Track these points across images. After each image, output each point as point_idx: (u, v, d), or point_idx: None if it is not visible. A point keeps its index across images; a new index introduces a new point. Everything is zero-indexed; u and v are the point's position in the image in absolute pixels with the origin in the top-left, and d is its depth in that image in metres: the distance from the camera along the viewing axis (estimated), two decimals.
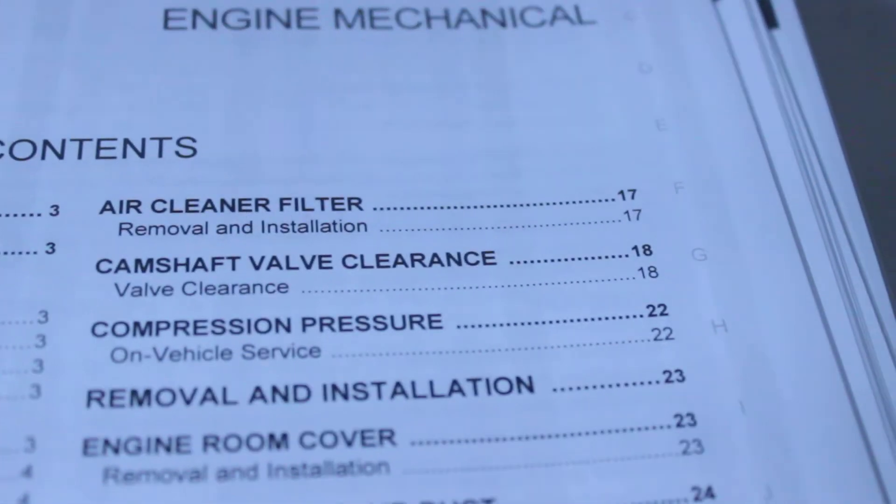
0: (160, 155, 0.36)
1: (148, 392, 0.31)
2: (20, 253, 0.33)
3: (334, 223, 0.35)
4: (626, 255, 0.34)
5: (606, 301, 0.34)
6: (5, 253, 0.33)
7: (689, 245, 0.35)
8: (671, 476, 0.31)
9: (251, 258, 0.34)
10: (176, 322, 0.32)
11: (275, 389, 0.32)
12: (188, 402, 0.31)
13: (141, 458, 0.30)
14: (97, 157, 0.35)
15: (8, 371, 0.31)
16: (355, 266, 0.34)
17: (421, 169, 0.36)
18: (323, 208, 0.35)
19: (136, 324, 0.32)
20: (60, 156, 0.35)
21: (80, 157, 0.35)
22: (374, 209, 0.35)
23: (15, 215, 0.34)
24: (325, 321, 0.33)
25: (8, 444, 0.30)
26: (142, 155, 0.36)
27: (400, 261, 0.34)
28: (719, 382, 0.32)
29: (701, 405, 0.32)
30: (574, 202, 0.35)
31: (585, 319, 0.33)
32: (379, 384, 0.32)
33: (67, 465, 0.30)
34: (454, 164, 0.36)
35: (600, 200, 0.36)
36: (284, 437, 0.31)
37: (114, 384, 0.31)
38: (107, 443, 0.30)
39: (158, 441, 0.31)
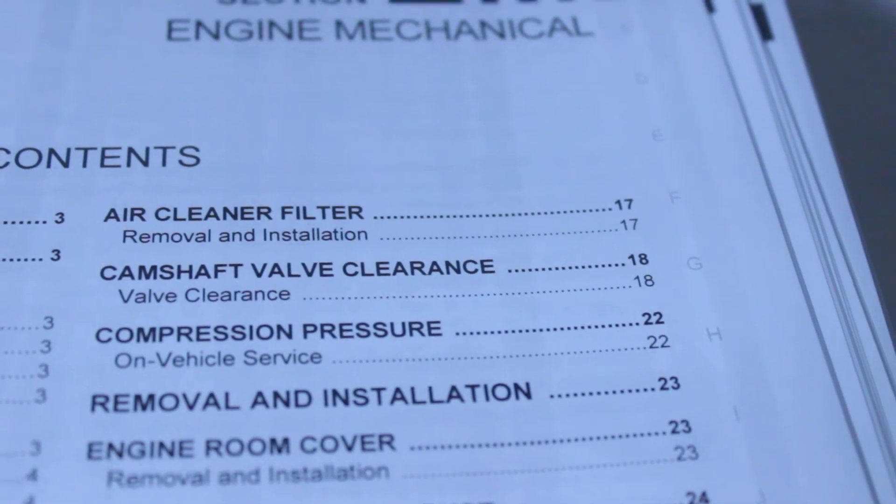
0: (164, 164, 0.36)
1: (151, 397, 0.32)
2: (26, 259, 0.33)
3: (335, 231, 0.35)
4: (623, 264, 0.35)
5: (603, 309, 0.34)
6: (11, 259, 0.33)
7: (684, 254, 0.35)
8: (666, 482, 0.31)
9: (253, 265, 0.34)
10: (179, 328, 0.33)
11: (276, 395, 0.32)
12: (191, 406, 0.31)
13: (144, 461, 0.31)
14: (102, 165, 0.36)
15: (14, 376, 0.31)
16: (356, 273, 0.34)
17: (420, 178, 0.36)
18: (324, 217, 0.35)
19: (140, 330, 0.33)
20: (65, 164, 0.36)
21: (84, 165, 0.36)
22: (375, 217, 0.35)
23: (21, 223, 0.34)
24: (326, 328, 0.33)
25: (13, 447, 0.30)
26: (146, 163, 0.36)
27: (400, 268, 0.34)
28: (714, 389, 0.33)
29: (696, 412, 0.32)
30: (571, 211, 0.36)
31: (582, 327, 0.33)
32: (379, 390, 0.32)
33: (72, 469, 0.30)
34: (453, 174, 0.36)
35: (597, 210, 0.36)
36: (286, 441, 0.31)
37: (118, 389, 0.32)
38: (111, 447, 0.31)
39: (162, 445, 0.31)
